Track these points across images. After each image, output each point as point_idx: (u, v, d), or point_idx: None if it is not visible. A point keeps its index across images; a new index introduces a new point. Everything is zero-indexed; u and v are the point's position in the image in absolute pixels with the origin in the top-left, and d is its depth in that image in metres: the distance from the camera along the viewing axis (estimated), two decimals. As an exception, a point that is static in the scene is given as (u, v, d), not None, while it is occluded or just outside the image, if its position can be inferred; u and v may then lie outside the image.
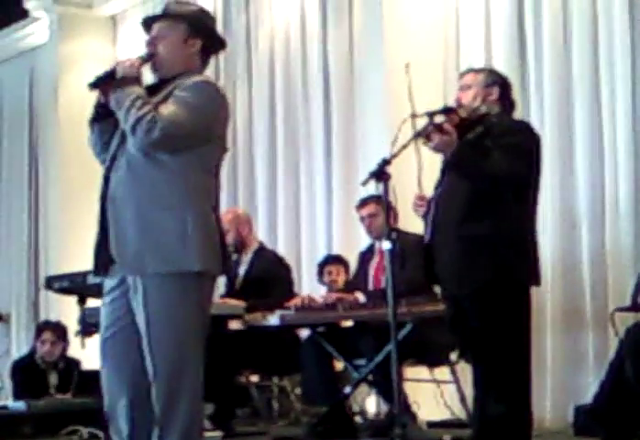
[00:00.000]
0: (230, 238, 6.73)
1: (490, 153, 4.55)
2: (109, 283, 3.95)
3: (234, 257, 6.86)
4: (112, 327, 3.91)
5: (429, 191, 4.79)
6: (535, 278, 4.72)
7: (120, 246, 3.84)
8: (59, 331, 7.19)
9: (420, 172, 4.72)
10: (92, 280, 5.54)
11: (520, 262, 4.67)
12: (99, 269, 3.94)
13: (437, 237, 4.73)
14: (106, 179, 3.91)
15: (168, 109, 3.82)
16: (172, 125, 3.80)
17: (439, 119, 4.56)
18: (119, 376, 3.89)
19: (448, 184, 4.72)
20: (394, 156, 4.64)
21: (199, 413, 3.93)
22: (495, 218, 4.59)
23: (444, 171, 4.80)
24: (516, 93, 5.00)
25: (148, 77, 4.04)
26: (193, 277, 3.82)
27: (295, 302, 5.96)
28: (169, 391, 3.79)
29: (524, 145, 4.64)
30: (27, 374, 7.29)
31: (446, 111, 4.68)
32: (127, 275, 3.85)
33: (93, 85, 3.91)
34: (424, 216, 4.87)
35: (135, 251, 3.81)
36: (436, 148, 4.56)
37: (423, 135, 4.53)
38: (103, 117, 3.98)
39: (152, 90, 3.96)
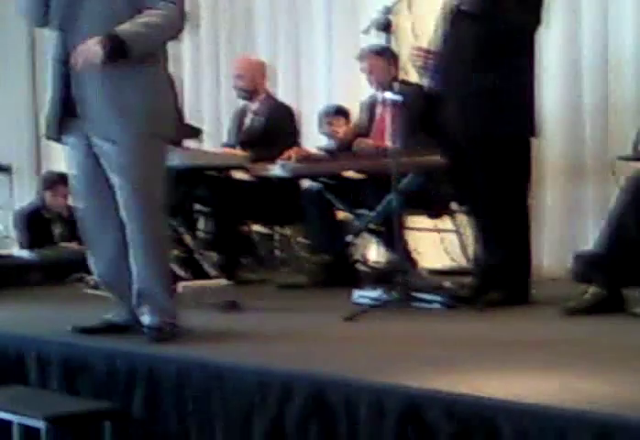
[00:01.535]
0: (243, 84, 6.72)
1: (504, 4, 4.51)
2: (70, 138, 4.04)
3: (244, 104, 6.86)
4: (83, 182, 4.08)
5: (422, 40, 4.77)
6: (533, 129, 4.75)
7: (85, 105, 3.90)
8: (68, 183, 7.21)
9: (414, 22, 4.68)
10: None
11: (523, 115, 4.69)
12: (61, 126, 4.00)
13: (443, 87, 4.73)
14: (62, 39, 3.92)
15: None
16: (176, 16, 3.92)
17: None
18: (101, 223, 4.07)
19: (456, 34, 4.68)
20: (395, 3, 4.59)
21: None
22: (501, 70, 4.59)
23: (445, 20, 4.76)
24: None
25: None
26: (156, 138, 3.97)
27: (289, 153, 5.98)
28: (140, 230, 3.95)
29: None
30: (32, 224, 7.36)
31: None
32: (94, 136, 3.94)
33: None
34: (423, 67, 4.85)
35: (99, 114, 3.89)
36: None
37: None
38: None
39: None
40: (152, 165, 3.98)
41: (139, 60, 3.89)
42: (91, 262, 4.18)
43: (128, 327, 4.09)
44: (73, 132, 4.01)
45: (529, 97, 4.75)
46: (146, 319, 4.00)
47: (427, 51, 4.86)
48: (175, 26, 3.95)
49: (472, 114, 4.66)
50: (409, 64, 5.23)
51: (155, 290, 3.98)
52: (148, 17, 3.86)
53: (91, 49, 3.77)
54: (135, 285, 4.01)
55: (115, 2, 3.90)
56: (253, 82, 6.74)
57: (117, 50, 3.79)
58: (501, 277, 4.72)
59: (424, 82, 5.20)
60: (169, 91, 4.12)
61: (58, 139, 4.10)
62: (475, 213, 4.97)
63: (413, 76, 5.57)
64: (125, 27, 3.82)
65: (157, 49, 3.98)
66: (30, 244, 7.14)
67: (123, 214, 3.97)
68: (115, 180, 3.95)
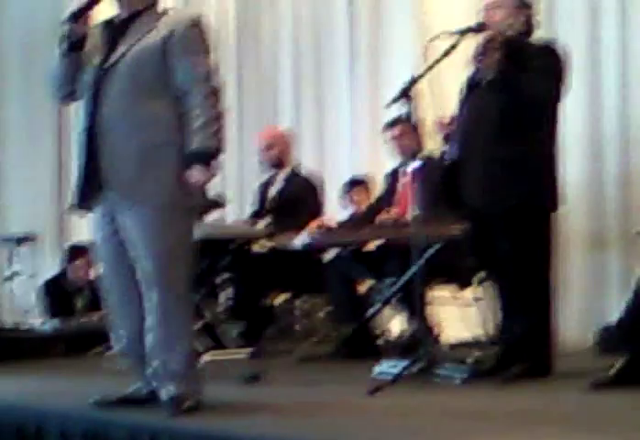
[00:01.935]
0: (270, 156, 6.77)
1: (523, 74, 4.55)
2: (96, 211, 4.07)
3: (269, 175, 6.90)
4: (109, 257, 4.09)
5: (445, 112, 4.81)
6: (555, 204, 4.75)
7: (117, 174, 3.94)
8: (91, 255, 7.26)
9: (434, 94, 4.72)
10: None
11: (546, 186, 4.71)
12: (87, 198, 4.02)
13: (465, 156, 4.75)
14: (91, 113, 3.98)
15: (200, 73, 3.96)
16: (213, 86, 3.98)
17: (487, 39, 4.55)
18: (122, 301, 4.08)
19: (478, 104, 4.72)
20: (421, 76, 4.64)
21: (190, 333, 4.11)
22: (525, 140, 4.63)
23: (468, 91, 4.80)
24: (544, 12, 4.95)
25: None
26: (185, 210, 4.01)
27: (310, 228, 6.00)
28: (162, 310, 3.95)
29: (553, 67, 4.64)
30: (55, 295, 7.39)
31: (478, 29, 4.66)
32: (122, 204, 3.95)
33: (74, 18, 3.97)
34: (446, 137, 4.88)
35: (133, 182, 3.93)
36: (485, 67, 4.56)
37: (477, 54, 4.54)
38: (79, 47, 4.02)
39: (119, 25, 4.05)
40: (178, 238, 3.98)
41: (171, 132, 3.95)
42: (113, 335, 4.18)
43: (150, 401, 4.06)
44: (98, 204, 4.04)
45: (550, 168, 4.76)
46: (166, 392, 3.98)
47: (450, 122, 4.89)
48: (218, 107, 3.98)
49: (493, 184, 4.68)
50: (434, 134, 5.27)
51: (175, 363, 3.96)
52: (205, 116, 3.92)
53: (207, 177, 3.92)
54: (155, 358, 3.99)
55: (146, 79, 3.96)
56: (280, 154, 6.79)
57: (215, 158, 3.93)
58: (523, 349, 4.68)
59: (446, 152, 5.23)
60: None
61: (82, 209, 4.13)
62: (496, 283, 4.95)
63: (437, 146, 5.60)
64: (201, 138, 3.90)
65: (226, 133, 4.04)
66: (52, 316, 7.16)
67: (144, 286, 3.97)
68: (139, 252, 3.96)
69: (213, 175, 3.94)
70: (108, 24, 4.10)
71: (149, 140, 3.95)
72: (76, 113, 4.13)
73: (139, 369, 4.12)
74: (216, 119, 3.96)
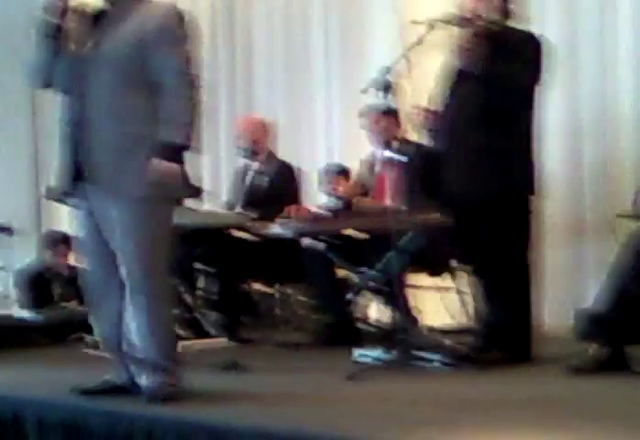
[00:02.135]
0: (244, 143, 6.75)
1: (505, 63, 4.55)
2: (76, 202, 4.07)
3: (245, 162, 6.89)
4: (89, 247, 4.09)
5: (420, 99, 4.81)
6: (532, 187, 4.77)
7: (97, 167, 3.94)
8: (70, 242, 7.24)
9: (413, 82, 4.72)
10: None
11: (523, 173, 4.73)
12: (66, 186, 4.03)
13: (444, 146, 4.76)
14: (71, 102, 3.98)
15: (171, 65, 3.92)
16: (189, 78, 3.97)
17: (469, 30, 4.56)
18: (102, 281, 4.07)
19: (461, 94, 4.72)
20: (395, 63, 4.63)
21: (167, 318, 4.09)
22: (503, 128, 4.64)
23: (451, 81, 4.80)
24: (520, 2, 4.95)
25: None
26: (166, 202, 4.01)
27: (289, 211, 5.99)
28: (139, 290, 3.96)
29: (532, 54, 4.65)
30: (33, 283, 7.37)
31: (449, 19, 4.66)
32: (101, 197, 3.95)
33: (50, 7, 3.96)
34: (423, 126, 4.88)
35: (112, 174, 3.92)
36: (467, 58, 4.56)
37: (460, 47, 4.54)
38: (56, 37, 3.99)
39: (99, 14, 4.03)
40: (158, 227, 3.99)
41: (149, 124, 3.93)
42: (93, 323, 4.18)
43: (128, 389, 4.06)
44: (80, 195, 4.04)
45: (529, 155, 4.79)
46: (144, 380, 3.97)
47: (427, 110, 4.89)
48: (193, 99, 3.97)
49: (473, 172, 4.69)
50: (408, 123, 5.26)
51: (155, 351, 3.96)
52: (173, 108, 3.90)
53: (170, 171, 3.87)
54: (134, 345, 3.98)
55: (125, 70, 3.94)
56: (255, 142, 6.77)
57: (180, 153, 3.91)
58: (502, 335, 4.70)
59: (424, 140, 5.23)
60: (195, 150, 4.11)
61: (63, 201, 4.12)
62: (476, 271, 4.96)
63: (413, 135, 5.60)
64: (167, 130, 3.88)
65: (198, 126, 4.02)
66: (31, 304, 7.13)
67: (124, 275, 3.97)
68: (118, 243, 3.95)
69: (174, 168, 3.89)
70: (88, 12, 4.06)
71: (128, 132, 3.93)
72: (48, 100, 4.11)
73: (118, 357, 4.12)
74: (187, 112, 3.93)
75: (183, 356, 4.12)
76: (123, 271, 3.97)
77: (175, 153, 3.91)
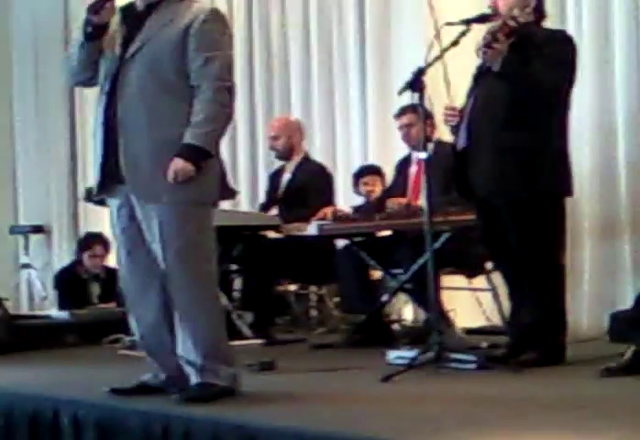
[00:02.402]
0: (279, 145, 6.78)
1: (532, 62, 4.55)
2: (114, 202, 4.07)
3: (280, 164, 6.92)
4: (127, 247, 4.08)
5: (457, 100, 4.80)
6: (569, 189, 4.75)
7: (133, 170, 3.93)
8: (107, 244, 7.31)
9: (448, 82, 4.72)
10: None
11: (557, 174, 4.71)
12: (105, 190, 4.04)
13: (474, 145, 4.75)
14: (108, 103, 3.98)
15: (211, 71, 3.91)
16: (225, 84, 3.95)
17: (494, 29, 4.55)
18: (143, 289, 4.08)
19: (486, 92, 4.72)
20: (429, 65, 4.64)
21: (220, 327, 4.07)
22: (533, 129, 4.62)
23: (476, 80, 4.80)
24: (554, 3, 4.95)
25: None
26: (203, 206, 3.99)
27: (323, 212, 6.01)
28: (186, 308, 3.95)
29: (564, 55, 4.64)
30: (70, 285, 7.43)
31: (483, 18, 4.66)
32: (140, 200, 3.95)
33: (94, 8, 3.95)
34: (456, 126, 4.88)
35: (149, 178, 3.92)
36: (490, 57, 4.56)
37: (482, 45, 4.54)
38: (97, 37, 4.00)
39: (141, 14, 4.02)
40: (198, 231, 3.97)
41: (184, 128, 3.92)
42: (131, 324, 4.18)
43: (164, 390, 4.08)
44: (117, 196, 4.04)
45: (561, 155, 4.76)
46: (192, 380, 3.98)
47: (460, 111, 4.89)
48: (227, 106, 3.96)
49: (503, 173, 4.67)
50: (442, 124, 5.27)
51: (199, 353, 3.94)
52: (205, 113, 3.89)
53: (185, 171, 3.86)
54: (184, 355, 3.98)
55: (162, 72, 3.95)
56: (289, 143, 6.80)
57: (201, 157, 3.89)
58: (536, 337, 4.69)
59: (456, 141, 5.22)
60: (217, 156, 4.10)
61: (100, 202, 4.14)
62: (509, 272, 4.95)
63: (447, 136, 5.60)
64: (195, 133, 3.88)
65: (224, 133, 4.03)
66: (67, 304, 7.19)
67: (166, 278, 3.96)
68: (160, 247, 3.94)
69: (189, 169, 3.86)
70: (129, 12, 4.06)
71: (164, 135, 3.92)
72: (86, 101, 4.13)
73: (156, 358, 4.14)
74: (217, 118, 3.92)
75: (233, 358, 4.09)
76: (165, 274, 3.96)
77: (197, 157, 3.88)
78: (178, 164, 3.86)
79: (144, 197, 3.94)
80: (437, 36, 4.66)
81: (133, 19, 4.04)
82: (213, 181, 4.05)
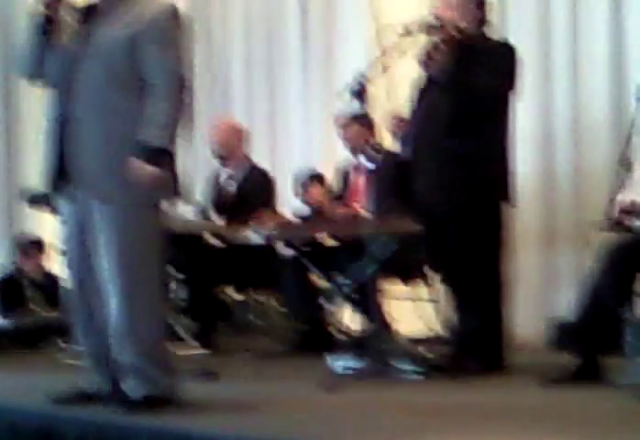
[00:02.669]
0: (218, 150, 6.74)
1: (473, 71, 4.58)
2: (63, 201, 4.02)
3: (219, 167, 6.87)
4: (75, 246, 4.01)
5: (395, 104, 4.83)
6: (508, 195, 4.79)
7: (82, 168, 3.89)
8: (43, 247, 7.22)
9: (389, 89, 4.74)
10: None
11: (496, 180, 4.75)
12: (50, 185, 3.99)
13: (416, 154, 4.77)
14: (62, 101, 3.93)
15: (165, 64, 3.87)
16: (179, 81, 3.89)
17: (436, 39, 4.58)
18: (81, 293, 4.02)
19: (430, 101, 4.74)
20: (372, 68, 4.64)
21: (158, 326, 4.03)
22: (475, 137, 4.66)
23: (423, 89, 4.82)
24: (495, 11, 4.99)
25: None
26: (151, 208, 3.95)
27: (261, 217, 5.99)
28: (126, 306, 3.88)
29: (504, 63, 4.69)
30: (4, 288, 7.32)
31: (428, 29, 4.67)
32: (89, 199, 3.90)
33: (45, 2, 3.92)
34: (401, 135, 4.90)
35: (98, 178, 3.88)
36: (432, 68, 4.59)
37: (424, 55, 4.56)
38: (48, 32, 3.96)
39: (93, 10, 3.98)
40: (143, 234, 3.92)
41: (137, 124, 3.87)
42: (76, 331, 4.10)
43: (104, 398, 4.02)
44: (65, 194, 3.98)
45: (502, 163, 4.80)
46: (128, 387, 3.94)
47: (402, 119, 4.91)
48: (184, 104, 3.92)
49: (444, 180, 4.70)
50: (384, 130, 5.28)
51: (142, 363, 3.90)
52: (163, 111, 3.84)
53: (148, 174, 3.80)
54: (121, 357, 3.93)
55: (114, 67, 3.89)
56: (229, 148, 6.76)
57: (165, 159, 3.85)
58: (474, 344, 4.72)
59: (398, 148, 5.24)
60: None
61: (39, 204, 4.06)
62: (448, 279, 4.98)
63: (388, 142, 5.61)
64: (154, 134, 3.82)
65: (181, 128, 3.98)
66: (2, 309, 7.09)
67: (108, 282, 3.90)
68: (103, 250, 3.89)
69: (149, 170, 3.81)
70: (85, 8, 4.01)
71: (114, 132, 3.88)
72: (25, 97, 4.06)
73: (97, 365, 4.08)
74: (172, 114, 3.86)
75: (174, 365, 4.05)
76: (107, 278, 3.90)
77: (153, 155, 3.83)
78: (145, 169, 3.80)
79: (93, 196, 3.89)
80: (379, 39, 4.67)
81: (89, 16, 3.99)
82: (166, 181, 3.96)
